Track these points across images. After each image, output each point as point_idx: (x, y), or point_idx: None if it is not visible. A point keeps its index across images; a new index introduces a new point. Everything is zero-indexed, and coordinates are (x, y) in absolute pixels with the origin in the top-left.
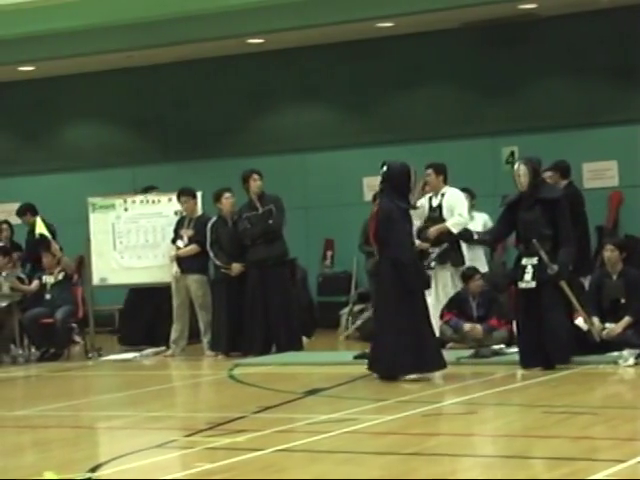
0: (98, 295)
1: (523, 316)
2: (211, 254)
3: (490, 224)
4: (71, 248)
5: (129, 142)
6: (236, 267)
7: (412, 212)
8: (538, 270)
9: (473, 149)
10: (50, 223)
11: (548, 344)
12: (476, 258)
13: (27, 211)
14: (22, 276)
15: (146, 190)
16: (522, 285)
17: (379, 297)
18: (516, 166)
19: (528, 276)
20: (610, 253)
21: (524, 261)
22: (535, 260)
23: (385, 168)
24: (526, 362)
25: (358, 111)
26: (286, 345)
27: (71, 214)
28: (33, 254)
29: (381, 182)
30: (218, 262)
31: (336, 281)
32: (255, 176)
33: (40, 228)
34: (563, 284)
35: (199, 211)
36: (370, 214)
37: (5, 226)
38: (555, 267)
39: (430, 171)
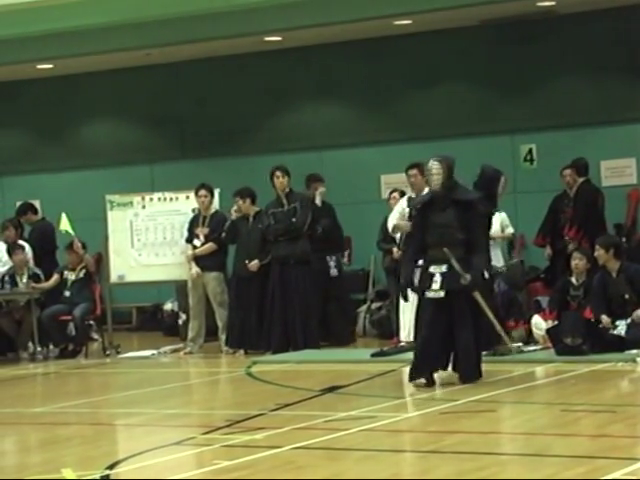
0: (116, 292)
1: (427, 327)
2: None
3: (507, 222)
4: (89, 246)
5: (147, 140)
6: (254, 265)
7: (395, 214)
8: (447, 279)
9: (491, 147)
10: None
11: (459, 362)
12: (492, 255)
13: (28, 210)
14: (37, 272)
15: None
16: (430, 295)
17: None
18: (429, 163)
19: (436, 285)
20: (596, 252)
21: (432, 269)
22: (444, 268)
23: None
24: (414, 375)
25: (376, 109)
26: (303, 343)
27: (89, 212)
28: (45, 249)
29: (474, 183)
30: None
31: (354, 279)
32: (278, 173)
33: (64, 225)
34: (477, 294)
35: (213, 208)
36: None
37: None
38: (468, 276)
39: (415, 172)
